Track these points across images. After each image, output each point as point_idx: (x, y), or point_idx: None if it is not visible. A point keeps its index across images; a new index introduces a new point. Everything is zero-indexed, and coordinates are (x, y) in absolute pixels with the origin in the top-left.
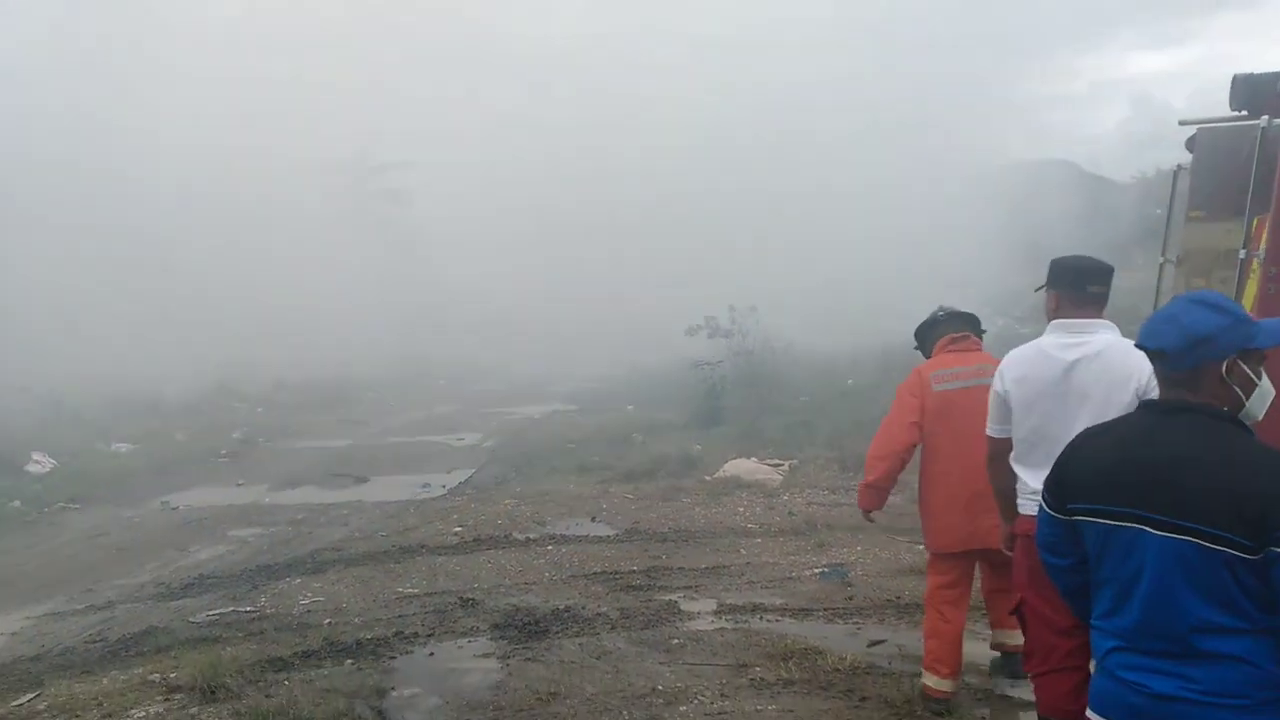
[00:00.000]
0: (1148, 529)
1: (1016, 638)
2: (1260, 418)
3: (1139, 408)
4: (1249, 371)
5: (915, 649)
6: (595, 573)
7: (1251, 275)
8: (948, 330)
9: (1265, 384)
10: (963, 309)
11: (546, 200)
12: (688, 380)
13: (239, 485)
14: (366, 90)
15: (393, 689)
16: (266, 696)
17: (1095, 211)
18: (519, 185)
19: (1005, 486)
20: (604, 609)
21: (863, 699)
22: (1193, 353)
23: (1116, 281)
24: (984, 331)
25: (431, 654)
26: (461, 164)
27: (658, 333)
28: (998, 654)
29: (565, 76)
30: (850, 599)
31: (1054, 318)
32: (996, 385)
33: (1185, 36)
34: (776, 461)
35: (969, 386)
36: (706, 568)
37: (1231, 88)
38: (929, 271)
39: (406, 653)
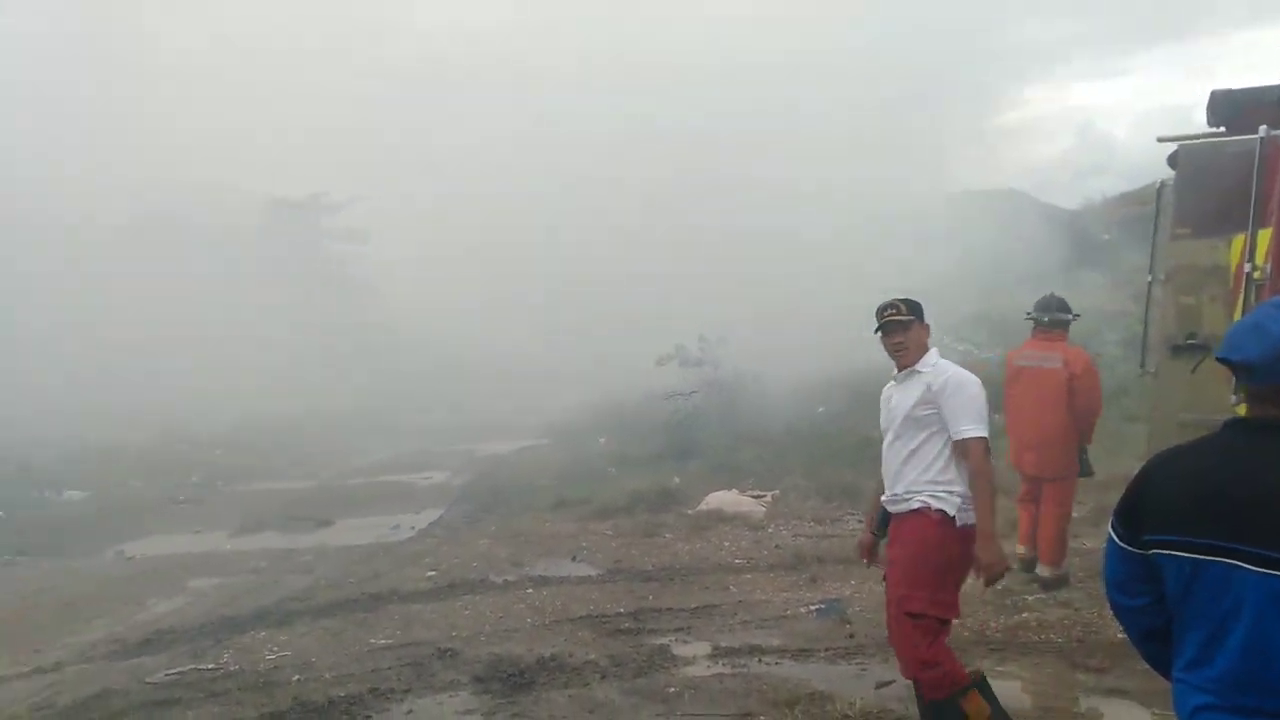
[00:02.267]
0: (1242, 564)
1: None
2: None
3: (1224, 427)
4: None
5: None
6: (580, 617)
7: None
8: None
9: None
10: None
11: (508, 234)
12: (659, 412)
13: (197, 532)
14: (319, 129)
15: None
16: None
17: (1049, 238)
18: (477, 219)
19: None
20: (592, 656)
21: None
22: None
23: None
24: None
25: (410, 711)
26: (413, 200)
27: (626, 364)
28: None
29: (520, 108)
30: (851, 637)
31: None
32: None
33: (1122, 71)
34: (758, 493)
35: (1031, 366)
36: (697, 607)
37: (1210, 103)
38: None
39: (383, 711)
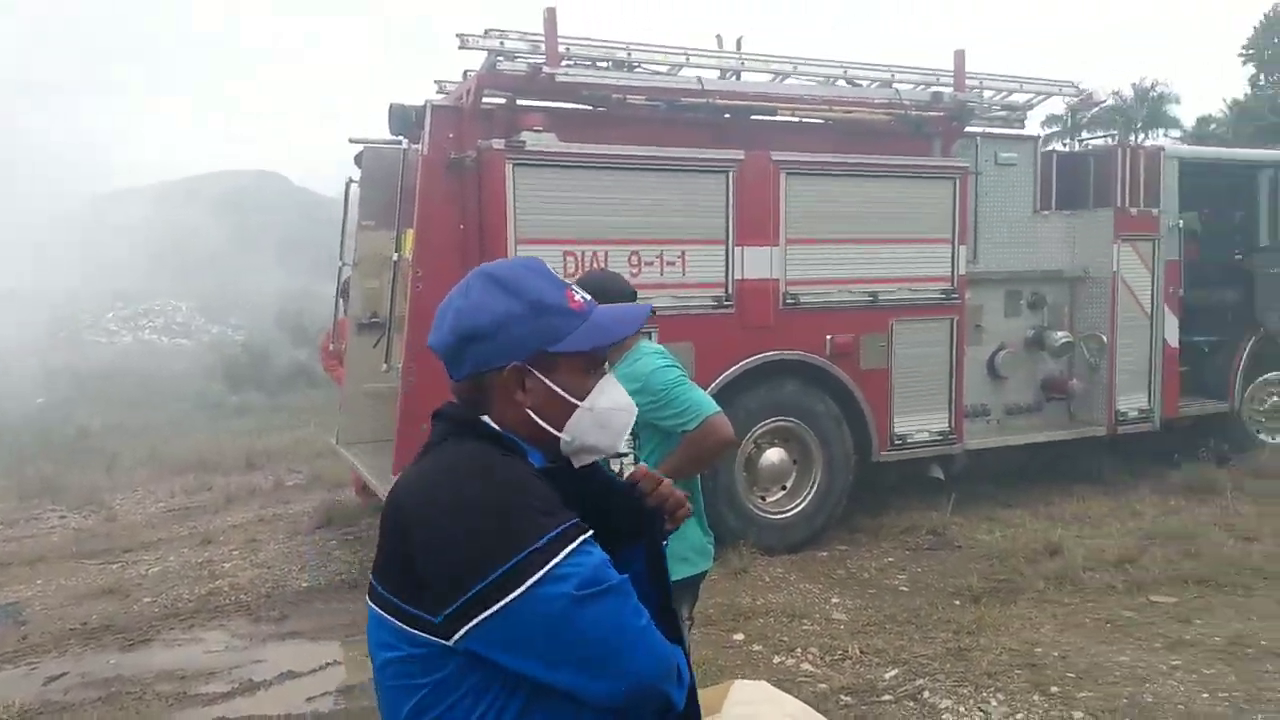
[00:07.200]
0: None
1: None
2: (614, 447)
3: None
4: (553, 386)
5: (99, 673)
6: None
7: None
8: None
9: (607, 398)
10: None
11: None
12: None
13: None
14: None
15: None
16: None
17: (306, 222)
18: None
19: None
20: None
21: None
22: (465, 354)
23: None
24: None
25: None
26: None
27: None
28: None
29: None
30: (24, 639)
31: None
32: None
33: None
34: None
35: None
36: None
37: (389, 114)
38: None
39: None
